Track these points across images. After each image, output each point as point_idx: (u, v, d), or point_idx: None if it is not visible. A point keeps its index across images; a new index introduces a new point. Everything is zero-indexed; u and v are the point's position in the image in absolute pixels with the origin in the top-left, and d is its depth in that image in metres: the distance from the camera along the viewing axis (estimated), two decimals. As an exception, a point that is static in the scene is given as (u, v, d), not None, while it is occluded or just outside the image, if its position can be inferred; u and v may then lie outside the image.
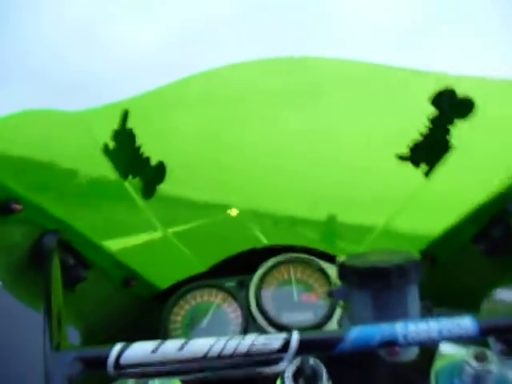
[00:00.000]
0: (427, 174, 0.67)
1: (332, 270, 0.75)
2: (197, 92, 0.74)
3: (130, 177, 0.70)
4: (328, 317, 0.71)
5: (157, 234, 0.79)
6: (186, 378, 0.52)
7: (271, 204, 0.82)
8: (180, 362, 0.40)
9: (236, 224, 0.84)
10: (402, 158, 0.68)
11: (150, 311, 0.74)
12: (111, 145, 0.68)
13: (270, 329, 0.71)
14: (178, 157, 0.73)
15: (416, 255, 0.54)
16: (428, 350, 0.54)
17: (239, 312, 0.73)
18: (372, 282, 0.51)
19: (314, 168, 0.74)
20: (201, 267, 0.78)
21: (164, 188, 0.78)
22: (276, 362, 0.41)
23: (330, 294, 0.69)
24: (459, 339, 0.39)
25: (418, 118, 0.68)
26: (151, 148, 0.70)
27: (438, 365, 0.53)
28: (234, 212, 0.84)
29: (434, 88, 0.65)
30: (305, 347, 0.40)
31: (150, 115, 0.70)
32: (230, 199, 0.82)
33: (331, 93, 0.73)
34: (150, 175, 0.70)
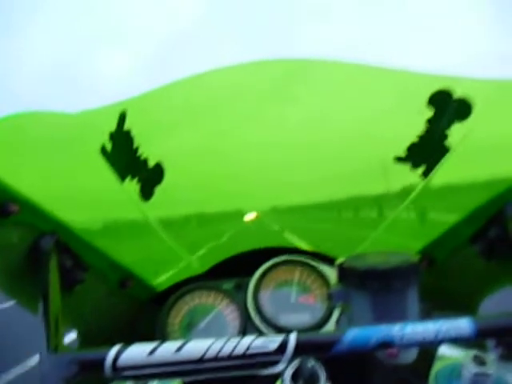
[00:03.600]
0: (425, 174, 0.67)
1: (330, 272, 0.75)
2: (182, 105, 0.75)
3: (129, 178, 0.70)
4: (326, 318, 0.71)
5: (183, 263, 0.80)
6: (184, 379, 0.52)
7: (287, 198, 0.82)
8: (177, 363, 0.40)
9: (259, 227, 0.85)
10: (400, 159, 0.68)
11: (149, 313, 0.73)
12: (109, 146, 0.68)
13: (267, 330, 0.71)
14: (178, 175, 0.73)
15: (414, 256, 0.54)
16: (427, 352, 0.54)
17: (237, 313, 0.73)
18: (371, 284, 0.51)
19: (312, 153, 0.75)
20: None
21: (177, 210, 0.79)
22: (273, 363, 0.41)
23: (330, 296, 0.69)
24: (457, 341, 0.39)
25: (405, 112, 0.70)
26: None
27: (436, 367, 0.52)
28: (254, 215, 0.84)
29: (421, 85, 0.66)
30: (302, 349, 0.40)
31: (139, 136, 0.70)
32: (244, 204, 0.83)
33: (314, 88, 0.74)
34: (148, 176, 0.70)
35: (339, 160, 0.75)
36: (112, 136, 0.68)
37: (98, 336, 0.63)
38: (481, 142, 0.66)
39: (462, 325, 0.39)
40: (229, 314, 0.73)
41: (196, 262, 0.81)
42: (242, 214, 0.83)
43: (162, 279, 0.76)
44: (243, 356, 0.40)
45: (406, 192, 0.72)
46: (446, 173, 0.67)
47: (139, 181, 0.70)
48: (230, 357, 0.40)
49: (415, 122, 0.68)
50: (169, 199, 0.74)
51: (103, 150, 0.68)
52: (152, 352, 0.40)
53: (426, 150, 0.67)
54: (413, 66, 0.67)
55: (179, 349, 0.40)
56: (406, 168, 0.68)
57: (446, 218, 0.66)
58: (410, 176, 0.69)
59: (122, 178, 0.70)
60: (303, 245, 0.83)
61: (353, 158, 0.74)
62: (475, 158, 0.68)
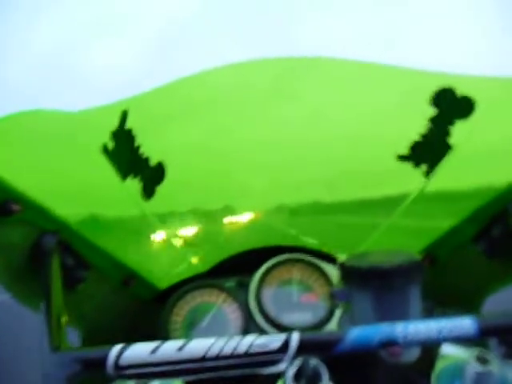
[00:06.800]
0: (427, 174, 0.67)
1: (332, 271, 0.75)
2: (183, 104, 0.75)
3: (130, 177, 0.70)
4: (328, 317, 0.71)
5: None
6: (186, 378, 0.52)
7: (289, 196, 0.82)
8: (179, 362, 0.40)
9: (261, 225, 0.85)
10: (402, 157, 0.68)
11: (150, 312, 0.74)
12: (110, 145, 0.68)
13: (269, 329, 0.71)
14: (179, 173, 0.73)
15: (417, 255, 0.54)
16: (429, 351, 0.53)
17: (239, 312, 0.72)
18: (373, 283, 0.51)
19: (313, 152, 0.75)
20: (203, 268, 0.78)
21: (176, 208, 0.79)
22: (275, 362, 0.40)
23: (332, 296, 0.69)
24: (459, 339, 0.39)
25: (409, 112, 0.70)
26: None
27: (439, 366, 0.52)
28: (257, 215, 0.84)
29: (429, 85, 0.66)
30: (304, 348, 0.40)
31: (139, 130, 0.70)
32: (243, 203, 0.83)
33: (315, 86, 0.74)
34: (150, 175, 0.70)
35: (342, 159, 0.74)
36: (114, 135, 0.69)
37: (100, 335, 0.63)
38: (483, 141, 0.66)
39: (465, 324, 0.39)
40: (231, 312, 0.73)
41: (198, 260, 0.81)
42: (242, 211, 0.83)
43: (163, 277, 0.76)
44: (245, 355, 0.40)
45: (407, 193, 0.72)
46: (448, 173, 0.67)
47: (141, 180, 0.70)
48: (232, 356, 0.40)
49: (417, 120, 0.68)
50: (169, 196, 0.74)
51: (105, 149, 0.69)
52: (154, 351, 0.40)
53: (429, 149, 0.67)
54: (415, 64, 0.67)
55: (181, 347, 0.40)
56: (408, 168, 0.68)
57: (445, 222, 0.66)
58: (412, 176, 0.69)
59: (124, 176, 0.70)
60: (307, 242, 0.83)
61: (355, 156, 0.74)
62: (478, 158, 0.68)
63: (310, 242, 0.84)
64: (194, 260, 0.82)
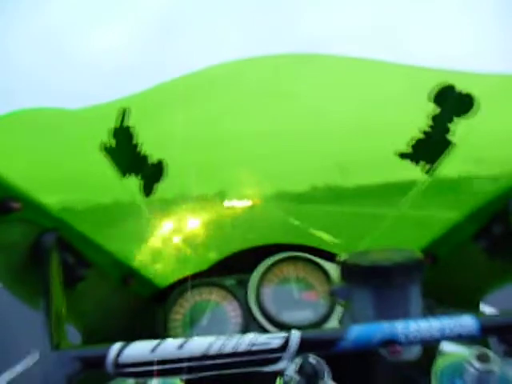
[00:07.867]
0: (428, 171, 0.67)
1: (333, 269, 0.75)
2: (184, 92, 0.74)
3: (131, 175, 0.70)
4: (328, 315, 0.71)
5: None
6: (186, 376, 0.52)
7: (284, 187, 0.82)
8: (179, 360, 0.40)
9: (265, 213, 0.84)
10: (402, 155, 0.68)
11: (150, 310, 0.74)
12: (110, 143, 0.68)
13: (270, 327, 0.71)
14: (179, 163, 0.73)
15: (418, 253, 0.53)
16: (430, 349, 0.53)
17: (239, 310, 0.72)
18: (373, 281, 0.51)
19: (311, 144, 0.75)
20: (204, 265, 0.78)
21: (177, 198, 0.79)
22: (276, 360, 0.40)
23: (332, 293, 0.69)
24: (460, 338, 0.39)
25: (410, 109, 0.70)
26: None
27: (439, 364, 0.52)
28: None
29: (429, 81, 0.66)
30: (305, 346, 0.40)
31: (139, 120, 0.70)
32: (242, 193, 0.83)
33: (312, 82, 0.74)
34: (149, 173, 0.70)
35: (339, 150, 0.75)
36: (113, 133, 0.68)
37: (100, 333, 0.63)
38: (483, 137, 0.66)
39: (466, 322, 0.39)
40: (231, 310, 0.73)
41: (195, 254, 0.81)
42: (239, 201, 0.83)
43: (161, 271, 0.76)
44: (246, 353, 0.40)
45: (407, 186, 0.72)
46: (448, 168, 0.67)
47: (140, 177, 0.70)
48: (232, 354, 0.40)
49: (418, 114, 0.68)
50: (165, 188, 0.74)
51: (104, 147, 0.68)
52: (154, 349, 0.40)
53: (430, 147, 0.66)
54: (415, 61, 0.67)
55: (181, 346, 0.40)
56: (407, 162, 0.68)
57: (447, 214, 0.66)
58: (411, 170, 0.69)
59: (123, 174, 0.70)
60: (307, 237, 0.83)
61: (351, 149, 0.74)
62: (478, 154, 0.67)
63: (298, 225, 0.84)
64: (191, 253, 0.82)
